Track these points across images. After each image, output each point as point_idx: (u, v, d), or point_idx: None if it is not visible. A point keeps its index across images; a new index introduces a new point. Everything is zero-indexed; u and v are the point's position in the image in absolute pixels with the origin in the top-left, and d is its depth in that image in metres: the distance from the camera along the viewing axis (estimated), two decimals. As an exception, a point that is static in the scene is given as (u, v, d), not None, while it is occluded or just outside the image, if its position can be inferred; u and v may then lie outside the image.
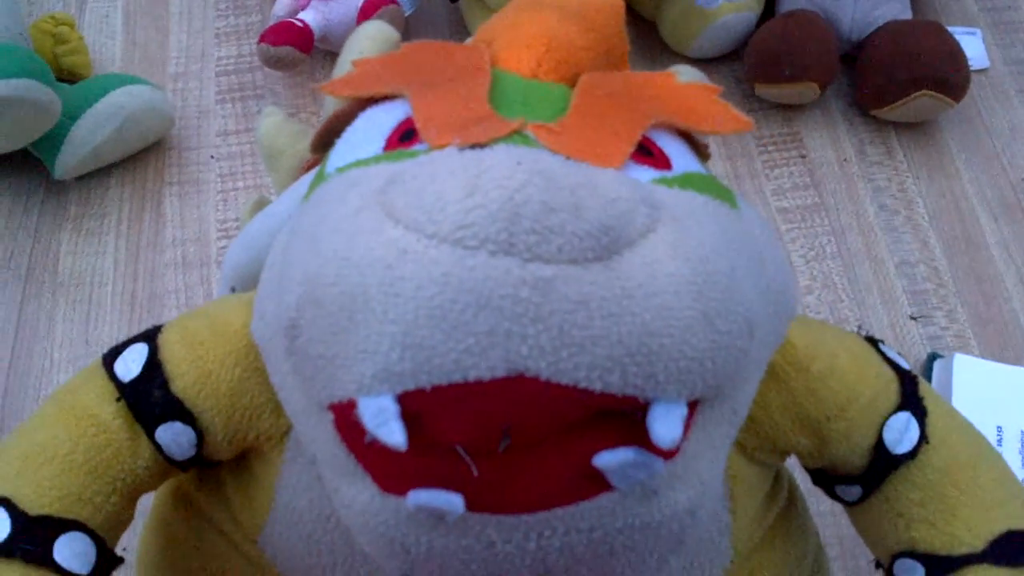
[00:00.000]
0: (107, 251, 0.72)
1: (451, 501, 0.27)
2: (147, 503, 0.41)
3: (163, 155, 0.77)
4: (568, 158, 0.30)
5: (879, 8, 0.78)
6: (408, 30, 0.82)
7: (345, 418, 0.28)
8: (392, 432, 0.27)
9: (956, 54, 0.74)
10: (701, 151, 0.37)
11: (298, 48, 0.75)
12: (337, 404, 0.28)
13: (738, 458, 0.39)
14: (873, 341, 0.41)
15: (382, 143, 0.33)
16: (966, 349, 0.69)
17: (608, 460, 0.28)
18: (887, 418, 0.38)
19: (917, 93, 0.74)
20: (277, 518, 0.37)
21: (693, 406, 0.29)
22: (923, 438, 0.39)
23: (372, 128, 0.34)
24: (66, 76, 0.77)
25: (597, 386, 0.27)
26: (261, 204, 0.49)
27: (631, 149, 0.31)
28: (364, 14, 0.76)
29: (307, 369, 0.29)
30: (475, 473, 0.27)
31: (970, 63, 0.76)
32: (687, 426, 0.29)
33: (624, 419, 0.28)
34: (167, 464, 0.37)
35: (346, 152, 0.34)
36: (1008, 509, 0.38)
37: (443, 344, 0.26)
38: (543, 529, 0.29)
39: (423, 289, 0.26)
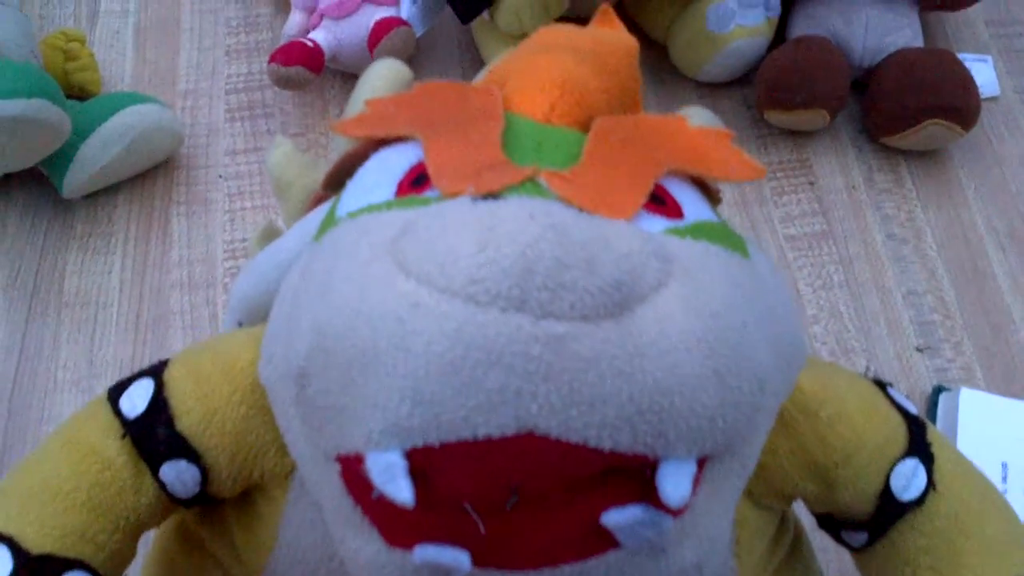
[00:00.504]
0: (113, 270, 0.72)
1: (458, 558, 0.27)
2: (149, 535, 0.41)
3: (171, 174, 0.77)
4: (581, 209, 0.29)
5: (890, 35, 0.78)
6: (419, 51, 0.82)
7: (352, 471, 0.28)
8: (400, 489, 0.27)
9: (967, 83, 0.74)
10: (713, 196, 0.37)
11: (309, 68, 0.75)
12: (344, 456, 0.28)
13: (745, 503, 0.38)
14: (881, 384, 0.41)
15: (394, 187, 0.33)
16: (972, 381, 0.68)
17: (617, 518, 0.27)
18: (894, 464, 0.38)
19: (927, 122, 0.74)
20: (280, 556, 0.37)
21: (702, 462, 0.29)
22: (930, 485, 0.38)
23: (384, 171, 0.34)
24: (76, 92, 0.77)
25: (607, 444, 0.26)
26: (270, 232, 0.49)
27: (644, 200, 0.31)
28: (375, 35, 0.76)
29: (315, 420, 0.29)
30: (482, 530, 0.27)
31: (981, 91, 0.76)
32: (696, 482, 0.28)
33: (633, 476, 0.28)
34: (170, 502, 0.37)
35: (358, 195, 0.34)
36: (1016, 557, 0.38)
37: (453, 400, 0.26)
38: (550, 586, 0.28)
39: (434, 344, 0.26)
